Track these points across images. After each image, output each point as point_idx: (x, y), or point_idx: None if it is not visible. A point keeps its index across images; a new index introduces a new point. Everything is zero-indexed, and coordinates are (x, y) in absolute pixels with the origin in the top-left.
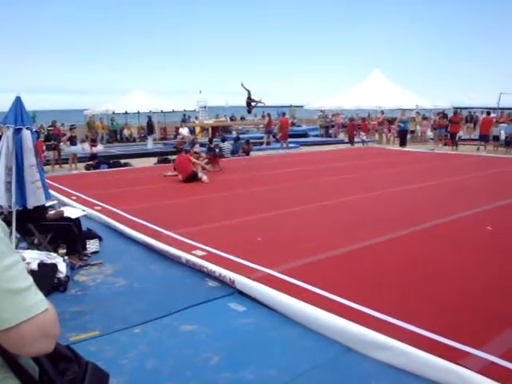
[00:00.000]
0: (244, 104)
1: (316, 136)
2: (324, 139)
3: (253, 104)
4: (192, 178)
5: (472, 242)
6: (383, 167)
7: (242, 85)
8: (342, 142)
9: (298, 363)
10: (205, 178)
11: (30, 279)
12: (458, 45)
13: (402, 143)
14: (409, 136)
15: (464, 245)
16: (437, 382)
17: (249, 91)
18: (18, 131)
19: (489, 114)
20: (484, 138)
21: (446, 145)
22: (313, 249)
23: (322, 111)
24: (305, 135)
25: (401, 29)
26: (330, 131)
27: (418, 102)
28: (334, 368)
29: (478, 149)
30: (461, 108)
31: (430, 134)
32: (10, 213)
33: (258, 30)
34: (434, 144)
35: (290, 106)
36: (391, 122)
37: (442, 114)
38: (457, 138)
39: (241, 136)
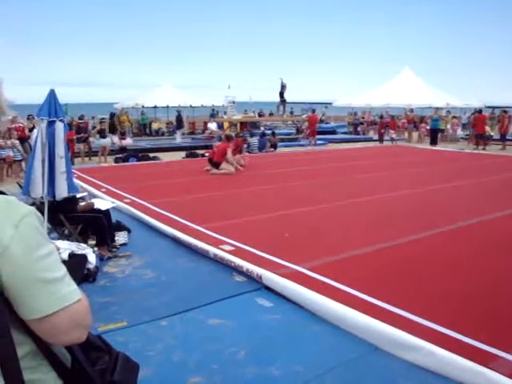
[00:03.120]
0: (267, 99)
1: (344, 133)
2: (352, 136)
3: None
4: (214, 164)
5: (501, 243)
6: (412, 166)
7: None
8: (370, 139)
9: (324, 360)
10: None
11: (64, 269)
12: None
13: (433, 142)
14: (439, 135)
15: (493, 246)
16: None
17: (284, 86)
18: (51, 123)
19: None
20: (503, 138)
21: (476, 144)
22: (340, 246)
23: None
24: (333, 132)
25: (432, 27)
26: (359, 129)
27: (448, 101)
28: (360, 366)
29: (502, 148)
30: (494, 107)
31: (460, 133)
32: (42, 203)
33: (286, 26)
34: (464, 143)
35: (326, 107)
36: (421, 120)
37: (477, 113)
38: (485, 137)
39: (266, 132)
